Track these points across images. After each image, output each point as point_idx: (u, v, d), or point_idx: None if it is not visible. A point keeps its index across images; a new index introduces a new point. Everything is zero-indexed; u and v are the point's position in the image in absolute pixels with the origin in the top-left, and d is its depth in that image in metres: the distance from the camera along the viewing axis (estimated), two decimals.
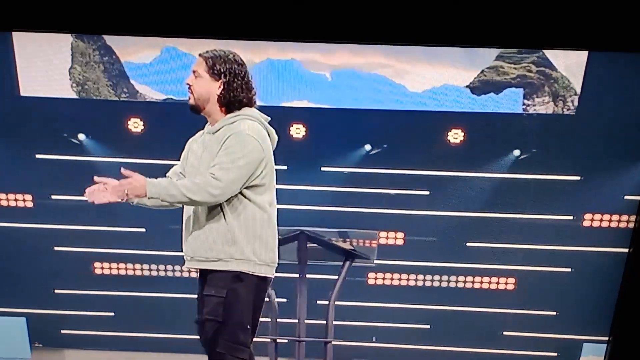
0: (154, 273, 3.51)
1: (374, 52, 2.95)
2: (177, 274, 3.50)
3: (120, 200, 1.99)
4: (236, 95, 2.14)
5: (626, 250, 3.21)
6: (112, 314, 3.57)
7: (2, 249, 3.42)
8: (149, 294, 3.53)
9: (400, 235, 3.37)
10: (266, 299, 3.44)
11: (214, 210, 2.18)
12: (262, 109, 3.06)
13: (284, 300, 3.48)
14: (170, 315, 3.57)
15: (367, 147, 3.18)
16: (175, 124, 3.14)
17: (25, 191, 3.31)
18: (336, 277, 3.37)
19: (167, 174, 2.39)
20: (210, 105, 2.20)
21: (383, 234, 3.35)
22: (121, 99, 3.07)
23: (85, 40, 2.93)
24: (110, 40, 2.93)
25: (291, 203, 3.29)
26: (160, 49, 2.95)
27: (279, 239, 3.28)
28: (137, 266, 3.49)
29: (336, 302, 3.40)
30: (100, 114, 3.11)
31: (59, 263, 3.47)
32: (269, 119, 2.29)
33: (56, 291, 3.52)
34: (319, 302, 3.45)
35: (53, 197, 3.33)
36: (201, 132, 2.36)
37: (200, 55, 2.30)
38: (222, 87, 2.17)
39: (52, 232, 3.40)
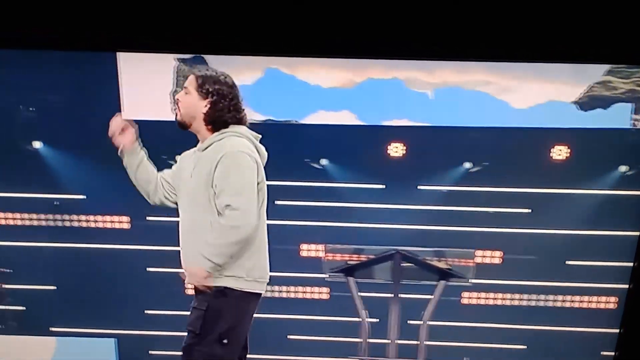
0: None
1: (478, 69, 2.90)
2: (268, 294, 3.47)
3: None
4: (221, 115, 2.21)
5: None
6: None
7: (96, 270, 3.45)
8: None
9: (498, 253, 3.30)
10: (358, 319, 3.42)
11: (205, 226, 2.19)
12: (361, 128, 3.06)
13: (376, 320, 3.44)
14: (259, 336, 3.55)
15: (467, 164, 3.13)
16: (274, 145, 3.15)
17: (122, 213, 3.34)
18: (429, 296, 3.34)
19: (160, 173, 2.45)
20: (196, 122, 2.28)
21: (480, 252, 3.29)
22: None
23: (189, 63, 2.93)
24: (213, 62, 2.93)
25: (387, 222, 3.26)
26: (262, 70, 2.94)
27: (373, 259, 3.27)
28: None
29: (428, 322, 3.37)
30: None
31: (151, 284, 3.48)
32: (260, 136, 2.31)
33: (146, 312, 3.54)
34: (410, 322, 3.41)
35: (148, 218, 3.35)
36: (191, 151, 2.37)
37: (193, 73, 2.33)
38: (208, 106, 2.22)
39: (145, 253, 3.41)
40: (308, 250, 3.37)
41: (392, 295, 3.38)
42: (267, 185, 3.18)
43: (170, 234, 3.39)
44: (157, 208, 3.31)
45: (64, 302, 3.50)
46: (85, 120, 3.09)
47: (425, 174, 3.16)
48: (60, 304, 3.51)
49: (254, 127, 2.99)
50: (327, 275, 3.40)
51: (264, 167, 2.31)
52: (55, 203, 3.29)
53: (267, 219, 3.28)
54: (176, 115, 2.27)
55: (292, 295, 3.49)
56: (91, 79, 3.01)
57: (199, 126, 2.23)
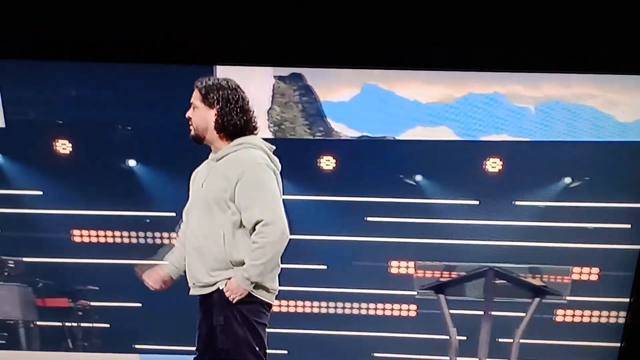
0: (331, 310, 3.46)
1: (582, 82, 2.84)
2: (355, 312, 3.44)
3: None
4: (230, 119, 2.22)
5: None
6: (286, 352, 3.53)
7: (181, 287, 3.43)
8: (326, 332, 3.48)
9: (595, 270, 3.22)
10: (446, 337, 3.37)
11: (217, 237, 2.19)
12: (458, 143, 3.02)
13: (464, 338, 3.38)
14: (345, 354, 3.51)
15: (567, 180, 3.06)
16: (369, 161, 3.13)
17: None
18: (520, 314, 3.28)
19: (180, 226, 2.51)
20: (209, 133, 2.30)
21: (577, 269, 3.21)
22: (315, 137, 3.05)
23: (287, 81, 2.92)
24: (312, 80, 2.91)
25: (482, 239, 3.21)
26: (360, 87, 2.91)
27: (465, 276, 3.22)
28: (316, 303, 3.46)
29: (520, 340, 3.31)
30: (293, 152, 3.09)
31: None
32: (274, 147, 2.30)
33: None
34: (500, 339, 3.34)
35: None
36: (205, 161, 2.35)
37: (195, 86, 2.33)
38: (216, 113, 2.17)
39: None
40: (398, 267, 3.33)
41: (484, 312, 3.32)
42: (360, 201, 3.20)
43: None
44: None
45: (149, 319, 3.49)
46: (178, 137, 3.08)
47: (522, 189, 3.10)
48: (144, 321, 3.50)
49: (342, 143, 3.01)
50: (417, 293, 3.36)
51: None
52: (146, 220, 3.29)
53: (358, 235, 3.29)
54: (190, 131, 2.26)
55: (380, 312, 3.44)
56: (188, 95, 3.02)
57: (212, 136, 2.25)
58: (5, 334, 3.52)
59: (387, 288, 3.39)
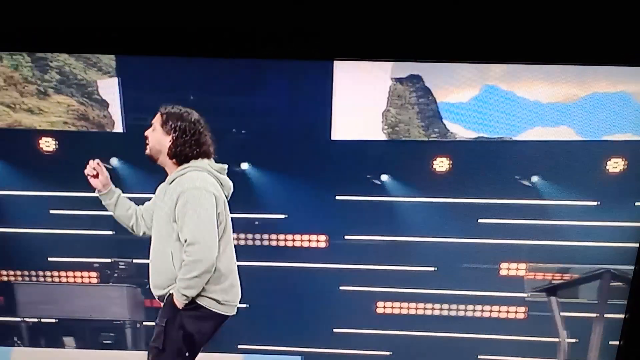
0: (436, 312, 3.43)
1: None
2: (461, 313, 3.41)
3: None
4: (182, 150, 2.35)
5: None
6: (389, 353, 3.53)
7: (288, 288, 3.46)
8: (430, 334, 3.46)
9: None
10: (555, 340, 3.29)
11: (166, 256, 2.29)
12: (579, 143, 2.93)
13: (575, 340, 3.32)
14: (449, 355, 3.49)
15: None
16: (484, 163, 3.08)
17: (320, 232, 3.34)
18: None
19: (140, 207, 2.64)
20: (162, 156, 2.42)
21: None
22: (430, 139, 3.02)
23: (405, 83, 2.89)
24: (430, 81, 2.88)
25: (600, 240, 3.14)
26: (480, 87, 2.87)
27: (579, 278, 3.15)
28: (421, 305, 3.44)
29: None
30: (406, 154, 3.07)
31: (342, 302, 3.47)
32: (225, 167, 2.37)
33: (335, 330, 3.53)
34: (612, 342, 3.27)
35: (346, 237, 3.33)
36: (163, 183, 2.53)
37: (160, 111, 2.46)
38: (171, 141, 2.34)
39: (339, 271, 3.40)
40: (508, 269, 3.28)
41: (597, 315, 3.25)
42: (473, 203, 3.16)
43: (366, 252, 3.40)
44: (355, 226, 3.34)
45: (254, 319, 3.52)
46: (293, 140, 3.10)
47: None
48: (249, 321, 3.54)
49: (457, 144, 2.98)
50: (528, 295, 3.31)
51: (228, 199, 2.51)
52: (255, 222, 3.32)
53: (469, 237, 3.25)
54: (145, 149, 2.44)
55: (487, 314, 3.40)
56: (303, 98, 3.02)
57: (164, 160, 2.40)
58: (112, 334, 3.61)
59: (496, 290, 3.34)
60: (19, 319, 3.58)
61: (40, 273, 3.47)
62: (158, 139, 2.35)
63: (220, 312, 2.44)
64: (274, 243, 3.36)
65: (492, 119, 2.92)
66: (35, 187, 3.21)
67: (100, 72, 2.97)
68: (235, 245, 3.39)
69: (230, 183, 2.40)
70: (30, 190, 3.22)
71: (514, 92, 2.85)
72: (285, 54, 2.77)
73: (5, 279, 3.48)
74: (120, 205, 2.50)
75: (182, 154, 2.32)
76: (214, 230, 2.31)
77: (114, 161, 3.06)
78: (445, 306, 3.41)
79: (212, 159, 2.39)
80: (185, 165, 2.32)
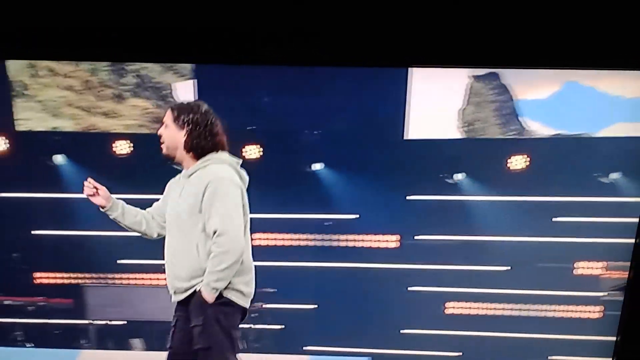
0: (507, 312, 3.39)
1: None
2: (533, 313, 3.37)
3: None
4: (198, 142, 2.31)
5: None
6: (460, 353, 3.49)
7: (358, 289, 3.44)
8: (501, 334, 3.42)
9: None
10: None
11: (191, 250, 2.31)
12: None
13: None
14: (519, 355, 3.45)
15: None
16: (560, 160, 3.04)
17: (392, 232, 3.32)
18: None
19: (148, 209, 2.54)
20: (179, 152, 2.35)
21: None
22: (506, 137, 2.99)
23: (483, 80, 2.87)
24: (509, 78, 2.86)
25: None
26: (560, 84, 2.83)
27: None
28: (492, 305, 3.40)
29: None
30: (482, 152, 3.05)
31: (411, 303, 3.45)
32: (240, 161, 2.37)
33: (402, 331, 3.50)
34: None
35: (417, 237, 3.32)
36: (178, 176, 2.45)
37: (169, 107, 2.41)
38: (186, 135, 2.30)
39: (410, 272, 3.38)
40: (584, 268, 3.23)
41: None
42: (549, 201, 3.12)
43: (437, 252, 3.37)
44: (426, 226, 3.32)
45: (322, 321, 3.51)
46: (365, 140, 3.09)
47: None
48: (317, 322, 3.53)
49: (534, 141, 2.95)
50: (606, 294, 3.26)
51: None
52: (325, 224, 3.31)
53: (543, 236, 3.21)
54: (161, 149, 2.39)
55: (560, 314, 3.35)
56: (376, 98, 3.01)
57: (182, 155, 2.36)
58: None
59: (570, 289, 3.30)
60: (87, 322, 3.60)
61: (110, 276, 3.49)
62: (172, 135, 2.33)
63: (243, 305, 2.41)
64: (343, 244, 3.34)
65: (571, 116, 2.89)
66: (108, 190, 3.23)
67: (176, 74, 2.99)
68: (305, 246, 3.41)
69: (247, 176, 2.40)
70: None
71: (594, 89, 2.81)
72: (363, 60, 2.78)
73: (75, 281, 3.51)
74: (127, 214, 2.49)
75: (198, 146, 2.29)
76: (241, 221, 2.30)
77: None
78: (517, 306, 3.36)
79: (227, 152, 2.38)
80: (206, 158, 2.32)
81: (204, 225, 2.28)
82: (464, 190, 3.14)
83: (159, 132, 2.37)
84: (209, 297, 2.29)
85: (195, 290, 2.33)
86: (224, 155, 2.35)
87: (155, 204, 2.55)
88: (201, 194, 2.25)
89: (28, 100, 3.04)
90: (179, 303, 2.42)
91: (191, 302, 2.35)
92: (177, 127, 2.32)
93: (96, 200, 2.48)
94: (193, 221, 2.30)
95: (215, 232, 2.24)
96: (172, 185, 2.47)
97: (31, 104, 3.04)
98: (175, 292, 2.40)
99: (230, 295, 2.33)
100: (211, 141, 2.32)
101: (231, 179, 2.28)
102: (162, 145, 2.37)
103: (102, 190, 2.47)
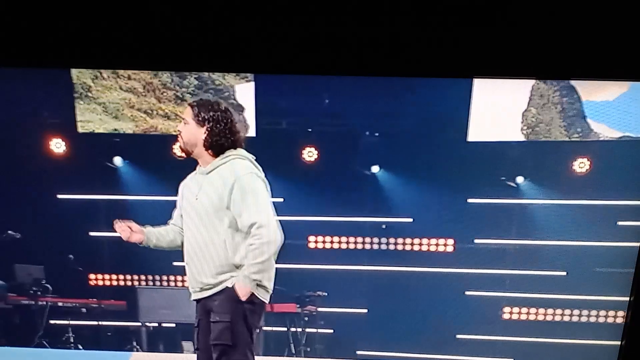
0: (566, 318, 3.35)
1: None
2: (592, 319, 3.31)
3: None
4: (219, 140, 2.32)
5: None
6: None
7: (412, 293, 3.42)
8: (556, 340, 3.37)
9: None
10: None
11: (218, 245, 2.32)
12: None
13: None
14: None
15: None
16: (626, 163, 3.00)
17: (448, 236, 3.29)
18: None
19: (170, 222, 2.55)
20: (197, 149, 2.37)
21: None
22: (571, 139, 2.95)
23: (548, 82, 2.84)
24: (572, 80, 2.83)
25: None
26: (628, 85, 2.80)
27: None
28: (550, 311, 3.35)
29: None
30: (545, 155, 3.01)
31: (467, 308, 3.41)
32: (254, 157, 2.38)
33: (458, 336, 3.46)
34: None
35: (475, 241, 3.28)
36: (191, 174, 2.45)
37: (188, 104, 2.42)
38: (206, 132, 2.32)
39: (466, 276, 3.34)
40: None
41: None
42: (612, 205, 3.08)
43: (495, 257, 3.34)
44: (485, 230, 3.29)
45: (374, 325, 3.48)
46: (427, 143, 3.07)
47: None
48: (369, 327, 3.50)
49: (599, 144, 2.91)
50: None
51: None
52: (382, 226, 3.29)
53: (604, 241, 3.16)
54: (179, 146, 2.41)
55: (620, 320, 3.29)
56: (438, 99, 2.99)
57: (200, 152, 2.37)
58: None
59: (629, 295, 3.23)
60: (139, 324, 3.61)
61: (164, 277, 3.50)
62: (192, 132, 2.33)
63: (265, 302, 2.41)
64: (400, 247, 3.32)
65: (638, 118, 2.84)
66: (166, 191, 3.24)
67: (238, 77, 3.00)
68: (360, 250, 3.39)
69: (262, 172, 2.43)
70: (160, 195, 3.25)
71: None
72: (429, 71, 2.75)
73: (130, 283, 3.52)
74: (161, 237, 2.48)
75: (218, 144, 2.32)
76: (274, 213, 2.33)
77: None
78: (576, 312, 3.31)
79: (244, 149, 2.39)
80: (227, 153, 2.32)
81: (232, 220, 2.29)
82: (525, 193, 3.11)
83: (178, 129, 2.40)
84: (245, 291, 2.29)
85: (226, 287, 2.32)
86: (244, 152, 2.38)
87: (174, 214, 2.54)
88: (228, 190, 2.27)
89: (90, 102, 3.06)
90: (202, 301, 2.41)
91: (217, 299, 2.34)
92: (198, 124, 2.35)
93: (134, 238, 2.46)
94: (219, 217, 2.31)
95: (253, 225, 2.25)
96: (186, 186, 2.47)
97: (93, 105, 3.07)
98: (201, 289, 2.38)
99: (258, 291, 2.34)
100: (230, 139, 2.34)
101: (257, 174, 2.33)
102: (180, 141, 2.39)
103: (134, 226, 2.47)
